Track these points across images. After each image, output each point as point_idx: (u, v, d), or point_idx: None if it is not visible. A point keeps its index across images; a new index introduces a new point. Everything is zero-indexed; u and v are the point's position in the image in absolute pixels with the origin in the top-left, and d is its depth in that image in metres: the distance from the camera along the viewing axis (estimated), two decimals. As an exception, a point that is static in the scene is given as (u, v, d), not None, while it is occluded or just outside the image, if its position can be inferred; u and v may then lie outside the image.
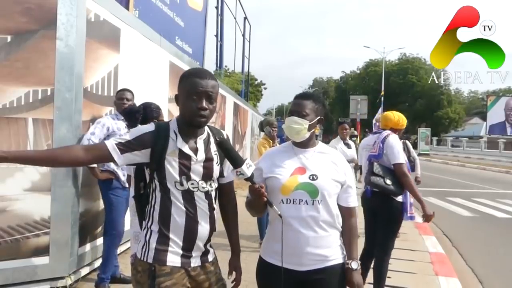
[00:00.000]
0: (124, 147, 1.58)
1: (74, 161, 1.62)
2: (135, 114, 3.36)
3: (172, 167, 1.61)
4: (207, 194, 1.70)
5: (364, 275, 3.60)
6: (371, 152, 3.53)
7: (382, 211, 3.39)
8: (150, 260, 1.62)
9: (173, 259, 1.64)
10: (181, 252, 1.65)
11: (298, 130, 1.85)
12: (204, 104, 1.60)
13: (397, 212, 3.36)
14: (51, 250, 3.39)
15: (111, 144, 1.58)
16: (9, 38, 3.27)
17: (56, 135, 3.42)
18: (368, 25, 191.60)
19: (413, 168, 5.90)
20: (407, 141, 6.07)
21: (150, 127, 1.65)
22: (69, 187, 3.49)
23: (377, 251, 3.49)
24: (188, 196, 1.65)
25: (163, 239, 1.64)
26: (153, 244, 1.63)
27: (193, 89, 1.60)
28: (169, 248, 1.63)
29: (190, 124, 1.66)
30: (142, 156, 1.61)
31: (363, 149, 3.99)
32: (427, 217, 3.29)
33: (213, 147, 1.73)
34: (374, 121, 9.12)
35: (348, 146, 5.94)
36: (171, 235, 1.64)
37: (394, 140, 3.40)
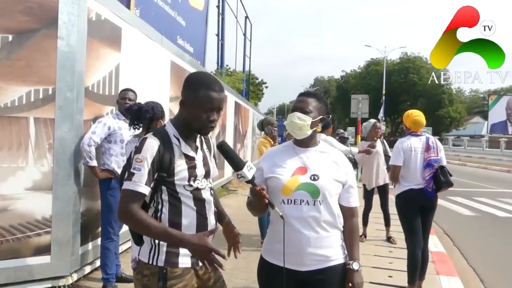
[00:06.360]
0: (149, 179, 1.58)
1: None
2: (145, 114, 3.31)
3: (181, 172, 1.63)
4: (211, 190, 1.76)
5: (425, 265, 3.87)
6: (432, 156, 3.68)
7: (434, 205, 3.79)
8: (161, 264, 1.61)
9: (184, 260, 1.65)
10: None
11: (301, 125, 1.83)
12: (216, 116, 1.68)
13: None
14: (53, 249, 3.40)
15: (146, 190, 1.58)
16: (10, 37, 3.27)
17: (57, 134, 3.43)
18: (368, 24, 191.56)
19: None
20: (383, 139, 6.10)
21: (155, 142, 1.61)
22: (71, 186, 3.49)
23: (424, 238, 3.82)
24: (197, 195, 1.68)
25: None
26: (163, 247, 1.63)
27: (207, 104, 1.64)
28: (180, 250, 1.64)
29: (198, 132, 1.73)
30: (155, 171, 1.62)
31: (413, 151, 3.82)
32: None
33: (204, 145, 1.80)
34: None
35: None
36: None
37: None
